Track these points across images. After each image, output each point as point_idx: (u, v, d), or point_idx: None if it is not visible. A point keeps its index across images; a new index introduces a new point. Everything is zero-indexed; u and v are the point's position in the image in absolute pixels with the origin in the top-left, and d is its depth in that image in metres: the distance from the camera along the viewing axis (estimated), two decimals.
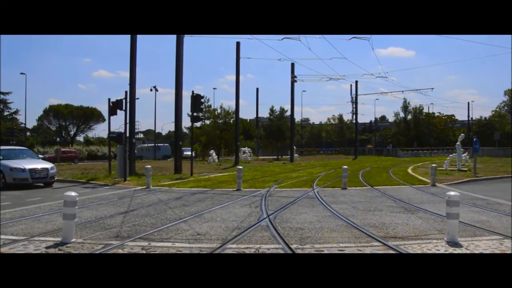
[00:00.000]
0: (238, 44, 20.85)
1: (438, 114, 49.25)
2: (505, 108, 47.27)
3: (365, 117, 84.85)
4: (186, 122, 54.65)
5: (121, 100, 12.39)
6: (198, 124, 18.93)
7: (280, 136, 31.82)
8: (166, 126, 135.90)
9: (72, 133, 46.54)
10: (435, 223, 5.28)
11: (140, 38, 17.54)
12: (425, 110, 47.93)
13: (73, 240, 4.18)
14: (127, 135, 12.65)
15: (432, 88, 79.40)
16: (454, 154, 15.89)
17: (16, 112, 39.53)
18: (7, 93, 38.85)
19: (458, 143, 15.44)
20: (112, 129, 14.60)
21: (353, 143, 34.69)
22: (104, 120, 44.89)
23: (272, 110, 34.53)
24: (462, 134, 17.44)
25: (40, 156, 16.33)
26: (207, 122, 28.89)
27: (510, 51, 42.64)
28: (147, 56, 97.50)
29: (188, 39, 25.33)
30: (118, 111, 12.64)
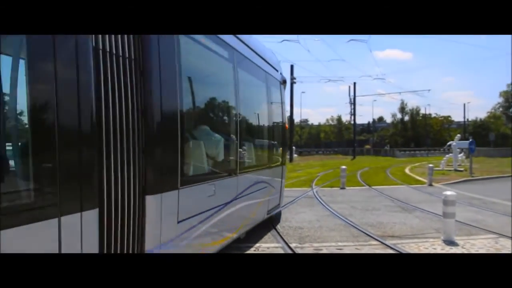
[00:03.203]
0: None
1: (435, 115, 49.62)
2: (500, 109, 47.70)
3: (363, 118, 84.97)
4: None
5: None
6: None
7: None
8: None
9: None
10: (431, 222, 5.33)
11: None
12: (422, 111, 48.28)
13: None
14: None
15: (429, 90, 79.93)
16: (450, 154, 16.02)
17: None
18: None
19: (454, 143, 15.57)
20: None
21: (352, 144, 34.74)
22: None
23: None
24: (458, 135, 17.58)
25: None
26: None
27: (506, 54, 43.07)
28: None
29: None
30: None
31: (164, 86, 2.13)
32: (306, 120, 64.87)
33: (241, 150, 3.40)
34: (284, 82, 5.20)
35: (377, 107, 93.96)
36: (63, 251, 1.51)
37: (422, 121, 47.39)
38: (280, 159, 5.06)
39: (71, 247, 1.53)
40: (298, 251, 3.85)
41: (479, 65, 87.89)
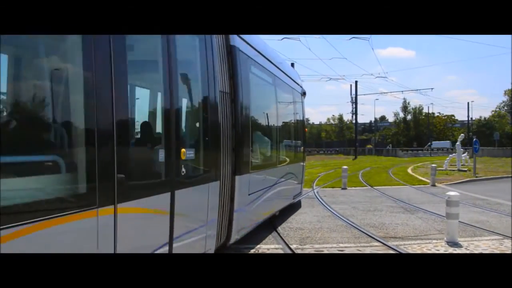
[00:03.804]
0: None
1: (438, 114, 49.30)
2: (505, 108, 47.24)
3: (365, 117, 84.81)
4: None
5: None
6: None
7: None
8: None
9: None
10: (434, 223, 5.27)
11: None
12: (425, 110, 48.01)
13: None
14: None
15: (432, 88, 79.57)
16: (454, 154, 15.87)
17: None
18: None
19: (458, 143, 15.43)
20: None
21: (353, 143, 34.62)
22: None
23: None
24: (462, 134, 17.41)
25: None
26: None
27: (510, 51, 42.64)
28: None
29: None
30: None
31: (243, 109, 3.55)
32: (307, 120, 64.65)
33: (279, 148, 5.09)
34: (304, 93, 6.80)
35: (379, 106, 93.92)
36: (210, 200, 2.78)
37: (425, 120, 47.09)
38: (302, 156, 6.75)
39: (213, 197, 2.85)
40: (299, 252, 3.82)
41: (483, 63, 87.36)
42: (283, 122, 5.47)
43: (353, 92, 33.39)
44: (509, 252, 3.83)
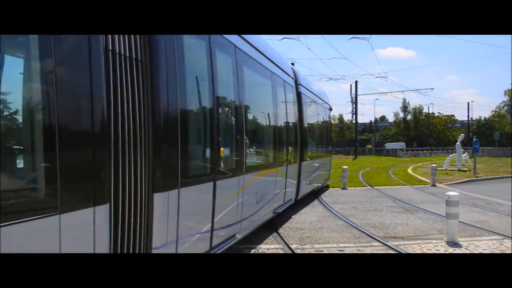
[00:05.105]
0: None
1: (438, 114, 49.27)
2: (505, 108, 47.20)
3: (365, 117, 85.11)
4: None
5: None
6: None
7: None
8: None
9: None
10: (434, 223, 5.28)
11: None
12: (425, 110, 47.98)
13: None
14: None
15: (432, 88, 79.59)
16: (454, 154, 15.87)
17: None
18: None
19: (458, 143, 15.42)
20: None
21: (353, 143, 34.60)
22: None
23: None
24: (462, 134, 17.39)
25: None
26: None
27: (510, 51, 42.59)
28: None
29: None
30: None
31: (303, 125, 6.51)
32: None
33: (318, 147, 8.37)
34: (330, 109, 10.12)
35: (379, 106, 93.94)
36: (295, 173, 6.04)
37: (425, 120, 47.08)
38: (330, 153, 10.40)
39: (295, 172, 6.10)
40: (299, 252, 3.81)
41: (483, 63, 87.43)
42: (320, 130, 8.77)
43: (353, 92, 33.34)
44: (509, 252, 3.83)
